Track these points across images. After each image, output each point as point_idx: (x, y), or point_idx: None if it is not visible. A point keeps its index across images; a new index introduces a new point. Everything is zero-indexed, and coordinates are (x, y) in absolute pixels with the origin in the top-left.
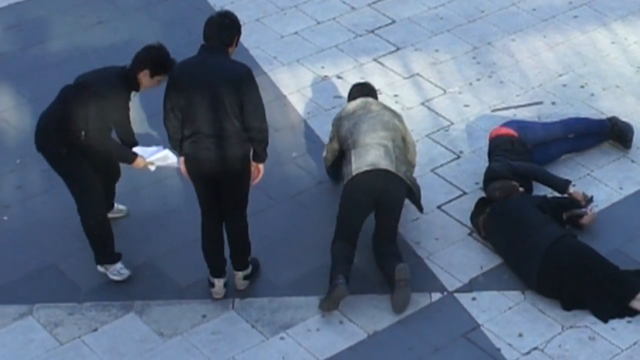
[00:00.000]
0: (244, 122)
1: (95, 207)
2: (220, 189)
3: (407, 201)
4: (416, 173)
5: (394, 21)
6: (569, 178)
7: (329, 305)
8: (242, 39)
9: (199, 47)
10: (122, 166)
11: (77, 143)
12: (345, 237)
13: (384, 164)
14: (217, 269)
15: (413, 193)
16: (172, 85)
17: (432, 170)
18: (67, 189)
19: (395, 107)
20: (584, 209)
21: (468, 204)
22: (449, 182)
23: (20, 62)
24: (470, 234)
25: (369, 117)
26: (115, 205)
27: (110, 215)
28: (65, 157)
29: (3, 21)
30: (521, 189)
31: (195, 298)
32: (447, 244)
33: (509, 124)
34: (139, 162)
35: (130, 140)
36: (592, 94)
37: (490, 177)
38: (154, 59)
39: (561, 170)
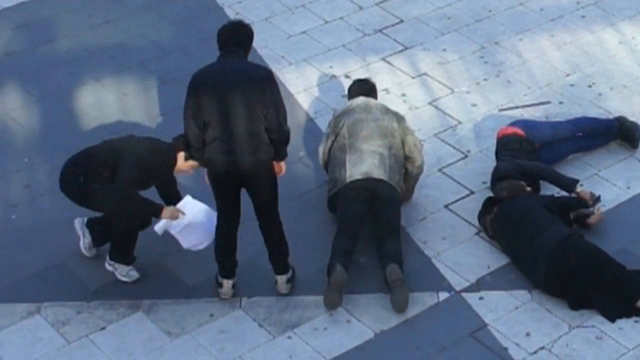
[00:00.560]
0: (267, 123)
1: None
2: (250, 192)
3: (413, 200)
4: (423, 172)
5: (401, 20)
6: (577, 177)
7: (330, 294)
8: None
9: (218, 55)
10: None
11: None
12: (345, 232)
13: (377, 173)
14: (227, 270)
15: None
16: (193, 92)
17: (440, 170)
18: None
19: (403, 107)
20: (591, 209)
21: (475, 204)
22: (457, 181)
23: (28, 61)
24: (477, 234)
25: (369, 121)
26: None
27: None
28: (83, 184)
29: (11, 20)
30: (529, 189)
31: (203, 297)
32: (455, 244)
33: (517, 123)
34: (165, 212)
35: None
36: (600, 94)
37: (497, 177)
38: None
39: (568, 169)
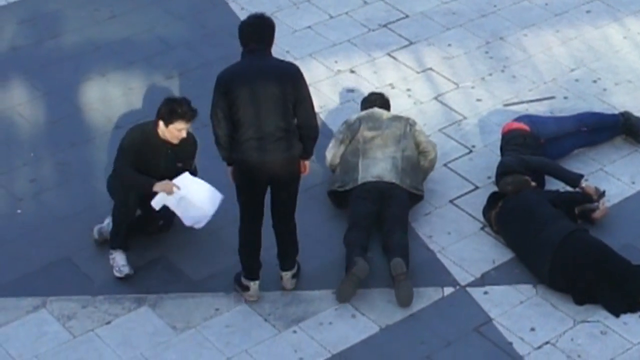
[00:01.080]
0: (297, 119)
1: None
2: (275, 191)
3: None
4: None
5: (407, 15)
6: (582, 172)
7: (347, 287)
8: None
9: (242, 52)
10: None
11: None
12: (359, 227)
13: (388, 177)
14: (253, 272)
15: (418, 197)
16: (221, 92)
17: (445, 165)
18: (80, 182)
19: (408, 101)
20: (596, 204)
21: (480, 198)
22: (462, 176)
23: (34, 56)
24: (482, 228)
25: (384, 128)
26: None
27: None
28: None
29: (17, 15)
30: (533, 184)
31: (208, 292)
32: (460, 238)
33: (521, 118)
34: (157, 185)
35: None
36: (605, 89)
37: (502, 172)
38: (162, 111)
39: (573, 164)
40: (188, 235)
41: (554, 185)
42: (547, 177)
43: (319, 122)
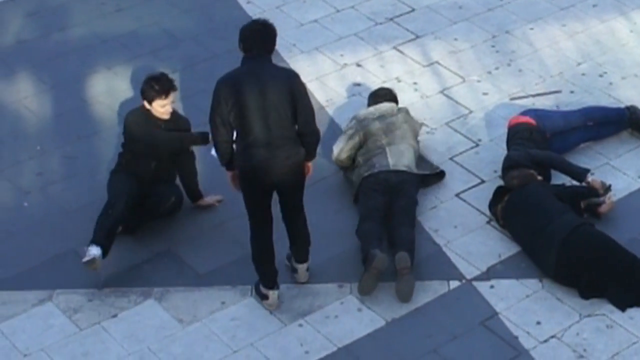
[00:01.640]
0: (298, 125)
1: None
2: (280, 193)
3: (424, 189)
4: (435, 161)
5: (413, 9)
6: (588, 167)
7: (368, 280)
8: None
9: (242, 58)
10: None
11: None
12: (373, 219)
13: (412, 166)
14: (271, 280)
15: (431, 176)
16: (221, 99)
17: (451, 158)
18: (87, 175)
19: (414, 95)
20: (602, 198)
21: (486, 192)
22: (468, 170)
23: (40, 49)
24: (488, 222)
25: (401, 122)
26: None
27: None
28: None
29: (24, 8)
30: (539, 178)
31: (215, 285)
32: (466, 232)
33: (528, 112)
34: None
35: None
36: (611, 83)
37: (508, 166)
38: (142, 89)
39: (579, 159)
40: (194, 229)
41: (560, 179)
42: (553, 171)
43: (325, 117)
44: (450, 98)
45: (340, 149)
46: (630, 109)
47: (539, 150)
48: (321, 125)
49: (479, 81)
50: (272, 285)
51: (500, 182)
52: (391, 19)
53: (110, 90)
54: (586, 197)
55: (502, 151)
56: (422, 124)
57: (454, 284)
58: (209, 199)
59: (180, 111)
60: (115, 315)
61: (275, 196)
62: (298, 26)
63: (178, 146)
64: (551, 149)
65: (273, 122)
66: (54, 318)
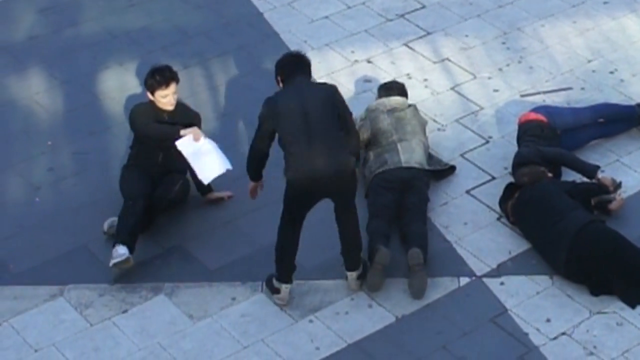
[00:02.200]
0: (345, 137)
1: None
2: (335, 201)
3: (435, 185)
4: (446, 158)
5: (424, 6)
6: (598, 164)
7: (374, 276)
8: (272, 23)
9: (285, 81)
10: None
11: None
12: (382, 217)
13: (423, 162)
14: (287, 275)
15: (442, 171)
16: (270, 114)
17: (462, 155)
18: (98, 171)
19: (425, 92)
20: (612, 195)
21: (497, 189)
22: (478, 166)
23: (52, 44)
24: (498, 219)
25: (411, 117)
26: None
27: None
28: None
29: (36, 4)
30: (550, 175)
31: (225, 281)
32: (476, 229)
33: (538, 109)
34: (185, 130)
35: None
36: (622, 80)
37: (518, 163)
38: (145, 80)
39: (590, 156)
40: (205, 225)
41: (570, 176)
42: (563, 168)
43: None
44: (461, 95)
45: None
46: None
47: (549, 147)
48: None
49: (489, 78)
50: (287, 279)
51: (511, 179)
52: (402, 16)
53: (121, 86)
54: (596, 194)
55: (512, 148)
56: (426, 121)
57: (464, 280)
58: (218, 193)
59: (191, 106)
60: (125, 311)
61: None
62: (309, 22)
63: (169, 136)
64: (561, 146)
65: (321, 132)
66: (65, 313)
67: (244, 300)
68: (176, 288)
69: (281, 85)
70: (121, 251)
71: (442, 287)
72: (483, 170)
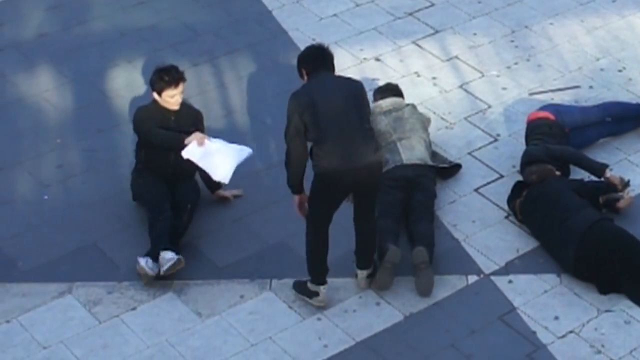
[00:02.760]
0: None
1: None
2: (359, 197)
3: (443, 184)
4: (454, 156)
5: (432, 4)
6: (606, 162)
7: (383, 275)
8: (280, 20)
9: (309, 75)
10: None
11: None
12: (390, 215)
13: (426, 159)
14: (323, 277)
15: (446, 169)
16: (299, 112)
17: (470, 153)
18: (107, 168)
19: (433, 90)
20: (620, 193)
21: (505, 187)
22: (486, 165)
23: (61, 42)
24: (507, 217)
25: (408, 117)
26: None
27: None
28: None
29: (44, 2)
30: (558, 173)
31: (233, 278)
32: (484, 227)
33: (547, 107)
34: (189, 138)
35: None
36: (630, 78)
37: (527, 161)
38: (152, 81)
39: (598, 154)
40: (214, 223)
41: (579, 174)
42: (571, 167)
43: None
44: (470, 93)
45: None
46: None
47: (557, 146)
48: None
49: (498, 76)
50: (323, 281)
51: (519, 177)
52: (410, 14)
53: (130, 83)
54: (605, 193)
55: (521, 146)
56: (429, 118)
57: (472, 278)
58: (228, 192)
59: (200, 105)
60: (134, 308)
61: None
62: (317, 20)
63: (174, 145)
64: (570, 144)
65: (355, 129)
66: (74, 311)
67: (252, 297)
68: (185, 285)
69: (306, 78)
70: (168, 256)
71: (450, 285)
72: (491, 169)
